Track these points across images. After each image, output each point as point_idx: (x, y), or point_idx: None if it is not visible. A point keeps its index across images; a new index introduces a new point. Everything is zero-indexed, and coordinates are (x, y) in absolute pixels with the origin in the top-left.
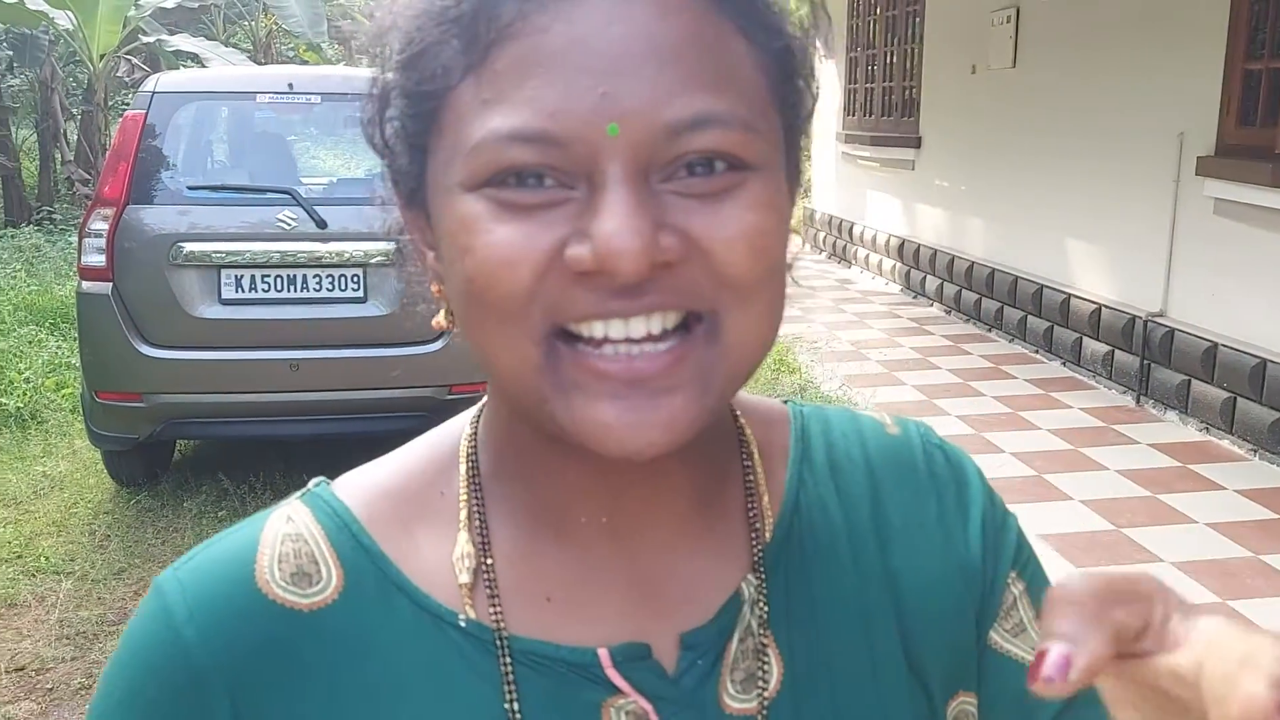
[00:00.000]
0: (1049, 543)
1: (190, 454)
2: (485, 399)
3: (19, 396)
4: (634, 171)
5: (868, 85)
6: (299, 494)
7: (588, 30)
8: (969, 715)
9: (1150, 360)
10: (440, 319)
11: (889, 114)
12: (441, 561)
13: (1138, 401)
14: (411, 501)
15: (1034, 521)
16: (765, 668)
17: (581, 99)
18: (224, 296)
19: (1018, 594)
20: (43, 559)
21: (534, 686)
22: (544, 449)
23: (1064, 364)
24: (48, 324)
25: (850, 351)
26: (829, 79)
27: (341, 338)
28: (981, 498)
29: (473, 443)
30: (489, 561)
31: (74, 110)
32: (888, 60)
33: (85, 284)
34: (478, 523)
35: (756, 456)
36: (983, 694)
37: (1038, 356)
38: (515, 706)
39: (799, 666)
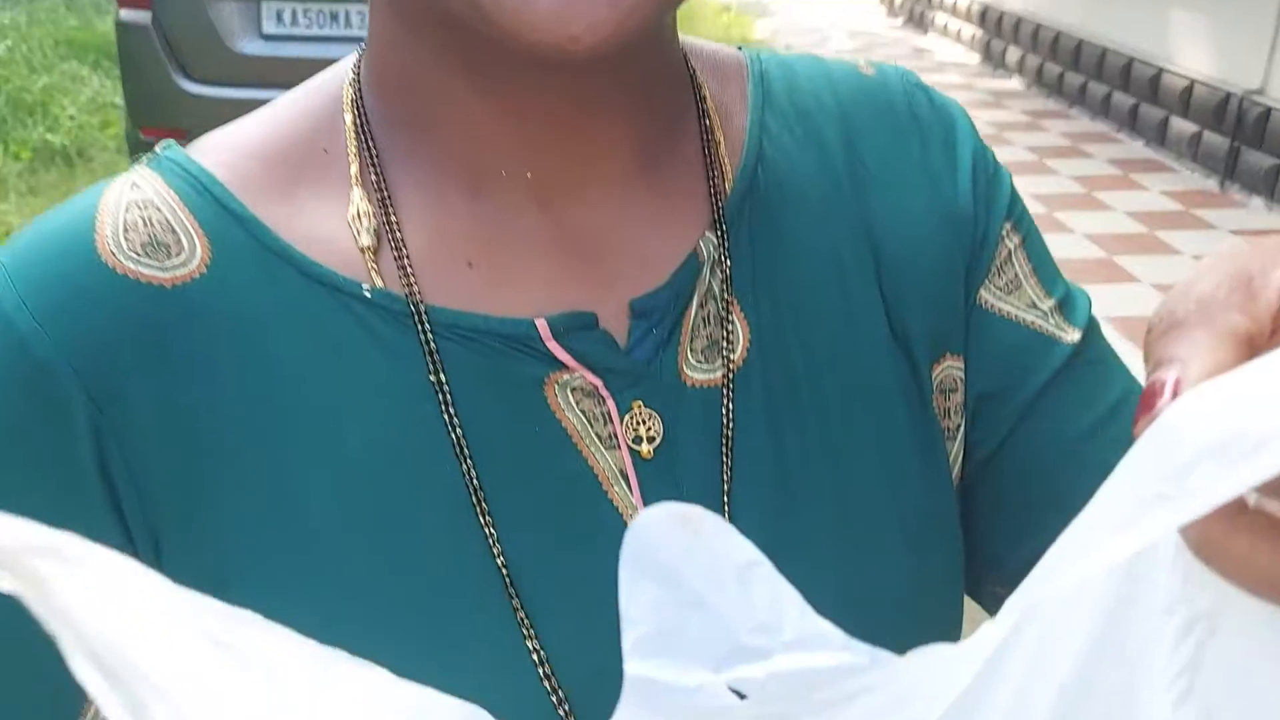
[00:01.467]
0: (1115, 326)
1: None
2: (365, 44)
3: (64, 134)
4: None
5: None
6: (145, 159)
7: None
8: (955, 380)
9: (1241, 142)
10: None
11: None
12: (334, 227)
13: (1222, 186)
14: (286, 162)
15: (1102, 303)
16: (730, 334)
17: None
18: (265, 31)
19: (1012, 247)
20: None
21: (460, 362)
22: (448, 85)
23: (1146, 144)
24: (90, 60)
25: None
26: None
27: None
28: (971, 141)
29: (357, 89)
30: (393, 219)
31: None
32: None
33: (124, 12)
34: (374, 176)
35: (710, 103)
36: (971, 356)
37: (1119, 136)
38: (442, 378)
39: (767, 331)
